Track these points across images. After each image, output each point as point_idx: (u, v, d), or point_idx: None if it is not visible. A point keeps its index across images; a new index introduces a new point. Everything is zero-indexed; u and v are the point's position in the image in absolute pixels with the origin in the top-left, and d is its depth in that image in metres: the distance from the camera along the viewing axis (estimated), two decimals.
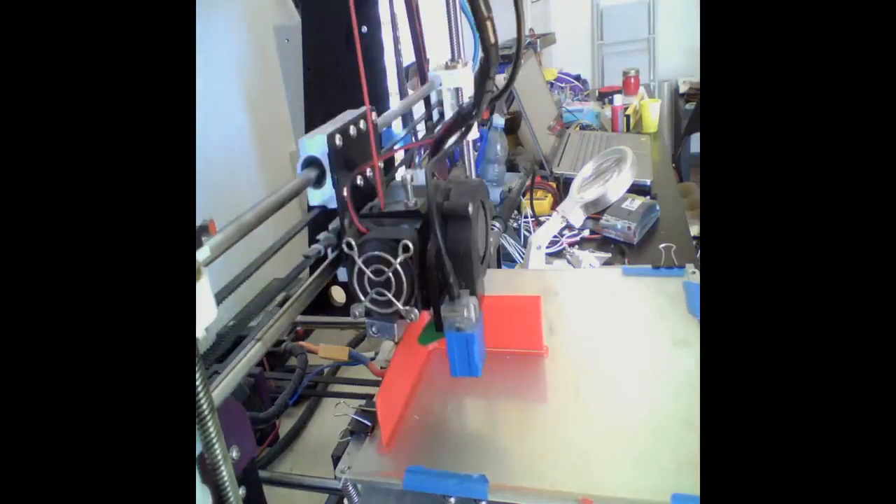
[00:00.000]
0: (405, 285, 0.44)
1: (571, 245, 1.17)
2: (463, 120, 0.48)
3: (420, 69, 0.74)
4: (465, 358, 0.47)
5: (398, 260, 0.43)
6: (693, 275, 0.70)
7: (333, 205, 0.47)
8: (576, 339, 0.62)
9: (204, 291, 0.30)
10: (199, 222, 0.32)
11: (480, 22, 0.43)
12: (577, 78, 2.38)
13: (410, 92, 0.99)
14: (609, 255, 1.12)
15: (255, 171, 1.13)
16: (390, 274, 0.44)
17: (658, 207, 1.24)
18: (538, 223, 1.22)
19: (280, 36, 1.05)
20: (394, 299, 0.44)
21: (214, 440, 0.32)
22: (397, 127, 0.88)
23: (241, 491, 0.36)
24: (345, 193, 0.46)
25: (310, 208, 0.49)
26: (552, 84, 2.22)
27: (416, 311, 0.45)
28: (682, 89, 3.56)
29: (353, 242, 0.44)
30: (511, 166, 1.62)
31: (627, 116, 1.90)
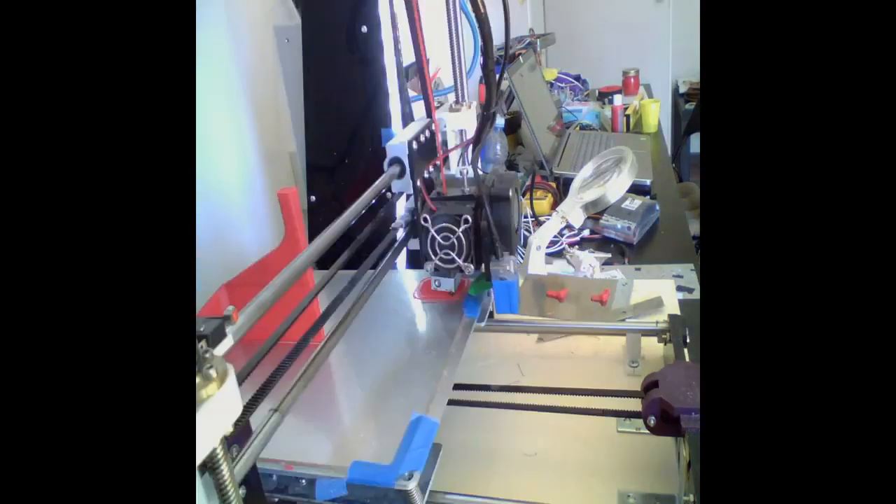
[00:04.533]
0: (465, 247, 0.64)
1: (571, 245, 1.17)
2: (487, 112, 0.63)
3: (420, 69, 0.75)
4: (507, 301, 0.66)
5: (461, 229, 0.63)
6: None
7: (409, 191, 0.66)
8: (357, 332, 0.70)
9: (230, 390, 0.31)
10: (199, 237, 0.32)
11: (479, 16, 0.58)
12: (577, 78, 2.37)
13: (411, 92, 0.99)
14: (609, 255, 1.12)
15: (256, 171, 1.13)
16: (454, 239, 0.64)
17: (658, 207, 1.24)
18: (538, 223, 1.22)
19: (280, 36, 1.04)
20: (456, 258, 0.65)
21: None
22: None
23: (241, 491, 0.36)
24: (419, 183, 0.65)
25: (392, 195, 0.69)
26: (552, 84, 2.21)
27: (471, 266, 0.65)
28: (682, 89, 3.56)
29: (429, 217, 0.64)
30: (511, 166, 1.61)
31: (627, 116, 1.90)
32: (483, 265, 0.65)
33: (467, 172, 0.65)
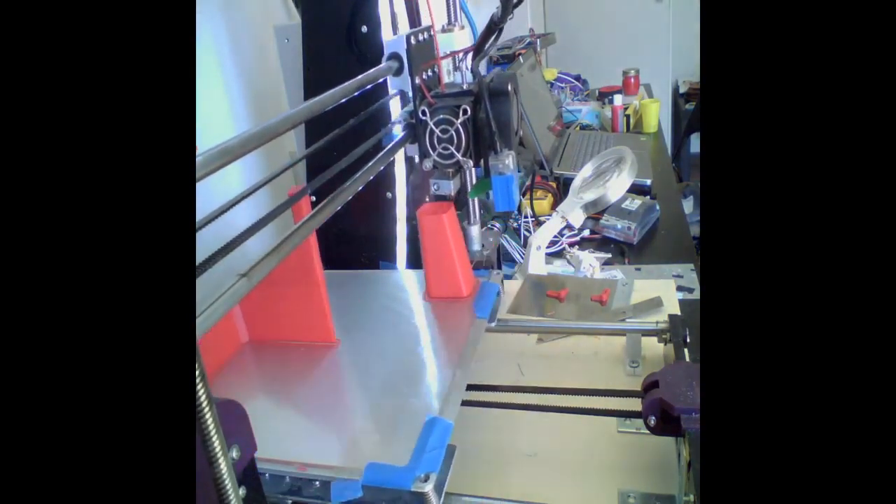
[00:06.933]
0: (463, 141, 0.64)
1: (571, 245, 1.17)
2: (494, 25, 0.63)
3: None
4: (507, 195, 0.65)
5: (459, 120, 0.63)
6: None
7: (407, 88, 0.66)
8: (366, 332, 0.70)
9: None
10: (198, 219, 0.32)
11: None
12: (577, 78, 2.37)
13: None
14: (609, 255, 1.12)
15: (256, 171, 1.13)
16: (453, 132, 0.64)
17: (658, 207, 1.24)
18: (538, 223, 1.22)
19: (280, 36, 1.04)
20: (455, 152, 0.64)
21: (214, 439, 0.32)
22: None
23: (241, 491, 0.36)
24: (417, 80, 0.66)
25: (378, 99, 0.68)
26: (552, 84, 2.22)
27: (470, 161, 0.65)
28: (682, 89, 3.56)
29: (427, 110, 0.64)
30: None
31: (627, 116, 1.90)
32: (482, 161, 0.65)
33: (466, 68, 0.65)
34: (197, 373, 0.29)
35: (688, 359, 0.68)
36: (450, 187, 0.68)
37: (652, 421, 0.55)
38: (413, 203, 0.99)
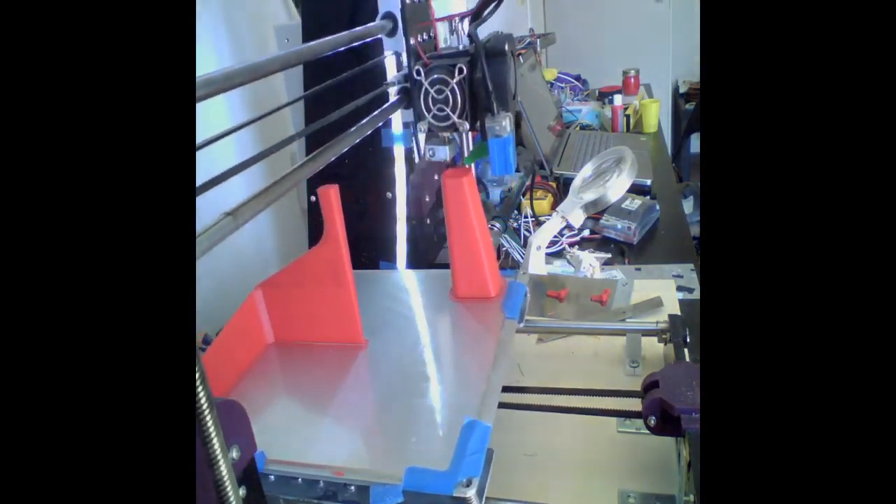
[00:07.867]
0: (459, 102, 0.62)
1: (571, 245, 1.17)
2: None
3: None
4: (503, 158, 0.63)
5: (455, 80, 0.61)
6: (524, 275, 0.74)
7: (401, 49, 0.65)
8: (394, 333, 0.68)
9: None
10: (198, 221, 0.32)
11: None
12: (577, 78, 2.37)
13: None
14: (609, 255, 1.12)
15: (256, 171, 1.13)
16: (448, 92, 0.61)
17: (658, 207, 1.24)
18: (538, 223, 1.22)
19: (280, 36, 1.04)
20: (451, 113, 0.62)
21: (214, 439, 0.32)
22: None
23: (241, 491, 0.36)
24: (413, 41, 0.64)
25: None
26: (552, 84, 2.21)
27: (466, 123, 0.63)
28: (682, 89, 3.56)
29: (422, 70, 0.62)
30: None
31: (627, 116, 1.89)
32: (479, 123, 0.63)
33: (464, 30, 0.64)
34: (197, 372, 0.29)
35: (688, 359, 0.68)
36: (445, 152, 0.66)
37: (652, 421, 0.55)
38: (413, 203, 0.99)
